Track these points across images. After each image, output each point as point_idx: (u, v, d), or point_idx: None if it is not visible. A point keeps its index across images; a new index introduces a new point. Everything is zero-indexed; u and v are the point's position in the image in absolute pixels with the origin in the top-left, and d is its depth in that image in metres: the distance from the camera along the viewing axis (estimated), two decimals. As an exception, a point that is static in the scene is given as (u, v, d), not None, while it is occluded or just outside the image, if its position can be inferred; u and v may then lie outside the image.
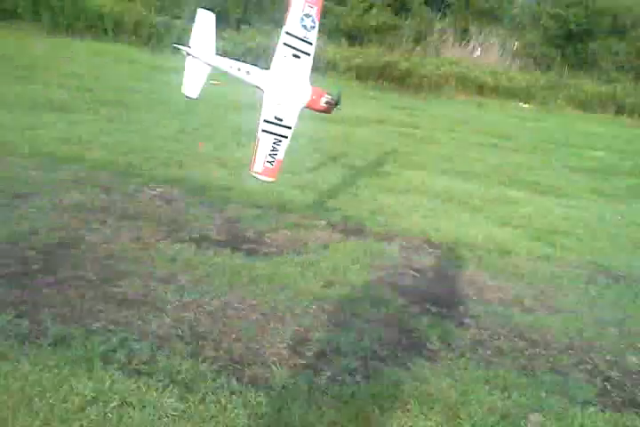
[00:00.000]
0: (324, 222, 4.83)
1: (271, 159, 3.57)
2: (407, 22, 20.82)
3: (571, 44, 19.47)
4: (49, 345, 2.64)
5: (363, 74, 17.37)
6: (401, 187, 6.18)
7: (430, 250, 4.53)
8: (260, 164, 3.56)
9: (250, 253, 4.04)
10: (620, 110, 16.87)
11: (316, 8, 3.49)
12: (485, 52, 20.17)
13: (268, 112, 3.56)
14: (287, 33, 3.49)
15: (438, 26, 21.21)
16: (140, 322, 2.98)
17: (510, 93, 16.82)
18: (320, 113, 3.77)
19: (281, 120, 3.60)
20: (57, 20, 15.14)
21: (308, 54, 3.61)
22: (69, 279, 3.33)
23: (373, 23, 20.32)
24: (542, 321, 3.49)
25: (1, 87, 8.49)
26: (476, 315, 3.51)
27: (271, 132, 3.59)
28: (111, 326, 2.88)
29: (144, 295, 3.27)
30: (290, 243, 4.34)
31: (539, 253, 4.63)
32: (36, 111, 7.45)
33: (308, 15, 3.48)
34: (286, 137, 3.58)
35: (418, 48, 19.81)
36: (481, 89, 16.87)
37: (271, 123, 3.58)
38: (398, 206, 5.50)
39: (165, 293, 3.30)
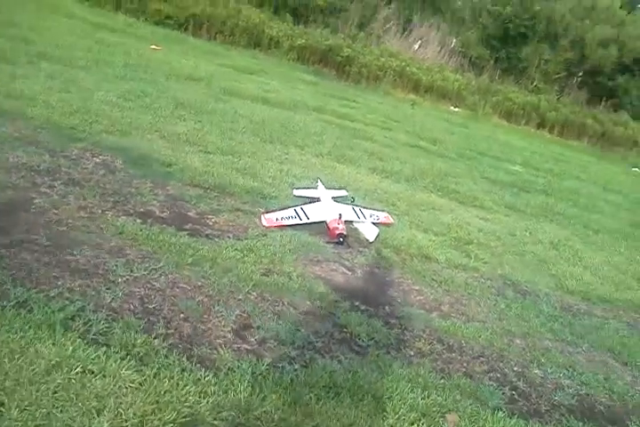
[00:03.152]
0: (262, 210, 5.06)
1: (279, 219, 4.79)
2: (352, 5, 20.89)
3: (505, 46, 19.88)
4: (12, 307, 2.75)
5: (305, 56, 17.47)
6: (335, 182, 6.47)
7: (360, 249, 4.88)
8: (270, 215, 4.82)
9: (193, 233, 4.22)
10: (542, 123, 17.82)
11: None
12: (424, 47, 20.63)
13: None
14: None
15: (383, 13, 21.45)
16: (93, 293, 3.12)
17: (443, 94, 17.45)
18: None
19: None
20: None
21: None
22: (24, 242, 3.41)
23: (320, 2, 20.18)
24: (457, 328, 3.90)
25: None
26: (399, 316, 3.88)
27: (295, 208, 4.99)
28: (67, 295, 3.02)
29: (96, 266, 3.41)
30: (231, 227, 4.55)
31: (455, 262, 5.08)
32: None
33: None
34: (298, 220, 4.85)
35: (361, 34, 20.03)
36: (416, 86, 17.39)
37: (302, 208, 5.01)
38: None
39: (116, 266, 3.45)
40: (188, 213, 4.59)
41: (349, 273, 4.36)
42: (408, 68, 17.22)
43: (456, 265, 5.05)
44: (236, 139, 7.01)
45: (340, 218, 4.87)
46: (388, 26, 21.11)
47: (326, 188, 5.65)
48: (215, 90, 9.74)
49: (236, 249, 4.11)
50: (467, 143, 11.78)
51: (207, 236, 4.27)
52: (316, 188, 5.61)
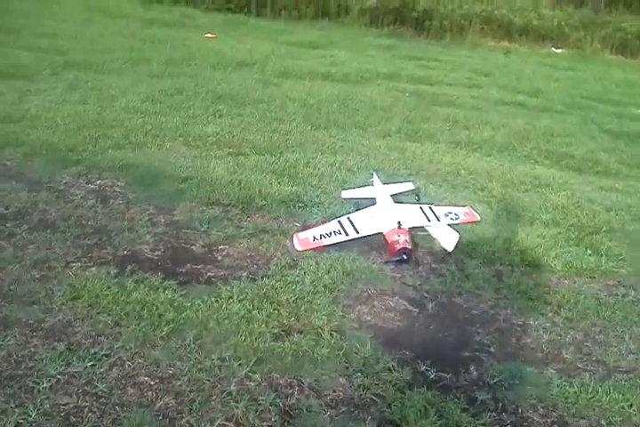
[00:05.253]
0: (297, 226, 3.79)
1: (317, 238, 3.50)
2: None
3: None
4: None
5: (378, 18, 15.82)
6: (402, 169, 5.05)
7: (434, 265, 3.48)
8: (305, 233, 3.54)
9: (187, 280, 3.04)
10: (667, 53, 15.05)
11: None
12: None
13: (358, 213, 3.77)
14: None
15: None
16: (-13, 422, 2.03)
17: (541, 35, 15.13)
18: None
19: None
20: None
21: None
22: None
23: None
24: (592, 393, 2.44)
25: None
26: (493, 382, 2.48)
27: (340, 219, 3.65)
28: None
29: (16, 363, 2.32)
30: (247, 260, 3.33)
31: (578, 265, 3.53)
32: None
33: None
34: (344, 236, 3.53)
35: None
36: (509, 31, 15.20)
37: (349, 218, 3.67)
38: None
39: (47, 359, 2.33)
40: (192, 247, 3.43)
41: (415, 311, 3.00)
42: (497, 12, 15.06)
43: (579, 271, 3.51)
44: (281, 130, 5.76)
45: (399, 227, 3.49)
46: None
47: (384, 183, 4.27)
48: (268, 74, 8.55)
49: (243, 299, 2.88)
50: (576, 89, 9.75)
51: (208, 281, 3.07)
52: (370, 185, 4.25)
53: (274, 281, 3.07)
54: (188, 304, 2.78)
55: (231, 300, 2.86)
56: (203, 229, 3.62)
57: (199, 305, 2.78)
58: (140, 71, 7.79)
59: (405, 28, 15.26)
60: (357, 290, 3.12)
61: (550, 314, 3.05)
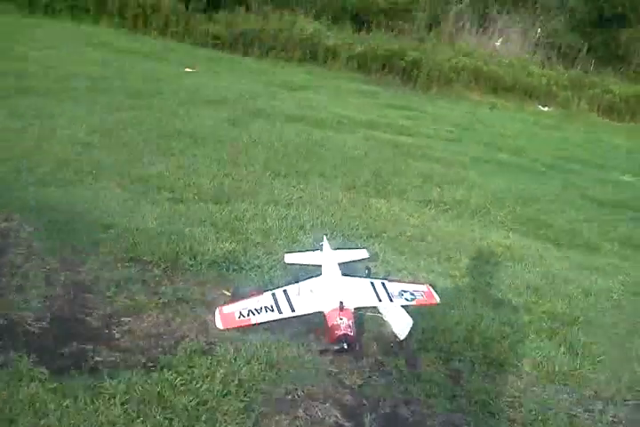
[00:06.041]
0: (227, 294, 3.22)
1: (245, 314, 2.90)
2: (419, 5, 18.73)
3: (600, 32, 17.28)
4: None
5: (366, 64, 15.65)
6: (365, 228, 4.53)
7: (379, 357, 2.90)
8: (231, 308, 2.94)
9: (66, 366, 2.42)
10: (652, 118, 15.04)
11: None
12: (506, 42, 18.22)
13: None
14: None
15: (455, 9, 19.15)
16: None
17: (529, 92, 15.12)
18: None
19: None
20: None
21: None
22: None
23: (383, 5, 18.17)
24: None
25: None
26: None
27: (275, 291, 3.07)
28: None
29: None
30: (151, 340, 2.72)
31: (549, 368, 2.94)
32: None
33: None
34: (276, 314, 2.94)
35: (431, 34, 17.92)
36: (496, 86, 15.13)
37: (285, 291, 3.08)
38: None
39: None
40: (87, 319, 2.82)
41: (347, 426, 2.40)
42: (485, 67, 14.93)
43: (550, 376, 2.94)
44: (235, 175, 5.23)
45: (341, 309, 2.92)
46: (461, 22, 18.85)
47: (335, 248, 3.71)
48: (238, 113, 8.07)
49: (128, 400, 2.26)
50: (560, 150, 9.43)
51: (92, 369, 2.45)
52: (319, 249, 3.69)
53: (175, 374, 2.45)
54: (53, 406, 2.15)
55: (112, 401, 2.24)
56: (108, 294, 3.03)
57: (67, 407, 2.16)
58: (99, 101, 7.27)
59: (393, 76, 15.07)
60: (281, 391, 2.51)
61: (512, 438, 2.46)
